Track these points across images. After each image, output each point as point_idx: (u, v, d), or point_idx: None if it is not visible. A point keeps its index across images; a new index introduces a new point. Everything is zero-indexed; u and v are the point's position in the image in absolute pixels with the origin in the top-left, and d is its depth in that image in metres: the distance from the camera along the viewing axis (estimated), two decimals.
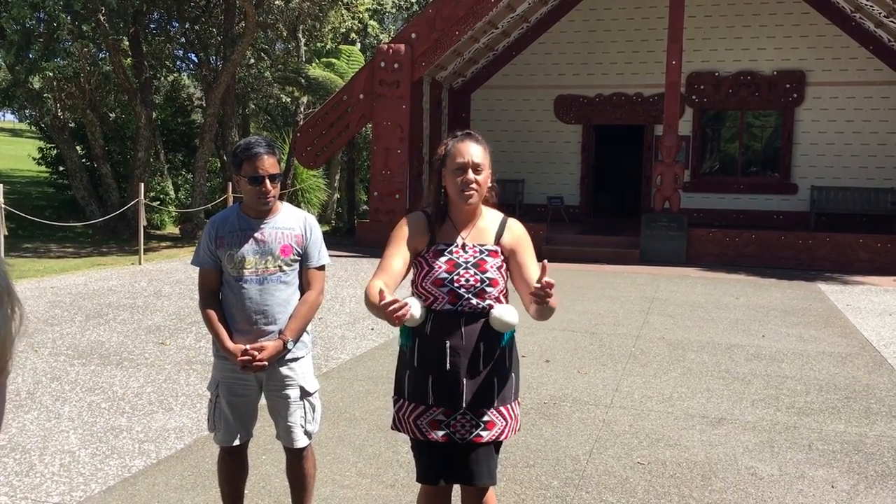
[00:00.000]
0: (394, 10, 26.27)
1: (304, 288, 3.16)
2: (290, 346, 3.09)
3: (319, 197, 20.92)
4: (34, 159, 22.26)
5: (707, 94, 16.90)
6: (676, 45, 13.73)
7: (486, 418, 2.65)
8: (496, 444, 2.72)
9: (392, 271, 2.65)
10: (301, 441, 3.17)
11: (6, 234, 10.75)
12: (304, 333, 3.17)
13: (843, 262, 13.10)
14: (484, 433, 2.65)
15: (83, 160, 18.61)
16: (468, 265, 2.65)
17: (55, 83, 16.82)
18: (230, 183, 15.97)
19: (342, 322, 8.06)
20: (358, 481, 4.03)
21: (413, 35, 14.81)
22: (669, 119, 13.83)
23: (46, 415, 4.96)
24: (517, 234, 2.78)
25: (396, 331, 2.93)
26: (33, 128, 27.30)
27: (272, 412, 3.20)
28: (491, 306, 2.66)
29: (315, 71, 19.28)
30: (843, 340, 7.64)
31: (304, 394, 3.17)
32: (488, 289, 2.66)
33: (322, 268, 3.18)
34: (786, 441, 4.73)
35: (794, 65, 16.44)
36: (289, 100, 24.89)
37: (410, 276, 2.76)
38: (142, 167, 17.05)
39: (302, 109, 22.54)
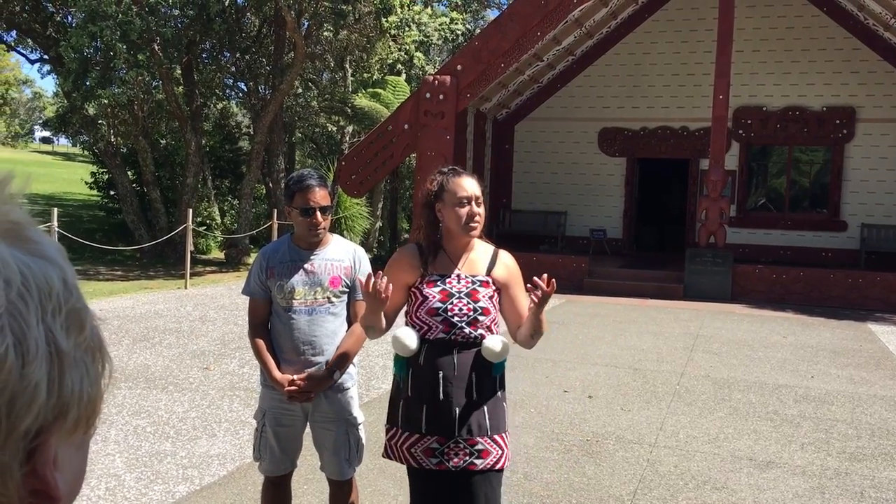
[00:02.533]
0: (440, 42, 26.55)
1: (351, 320, 3.19)
2: (336, 376, 3.11)
3: (362, 225, 21.07)
4: (87, 183, 22.84)
5: (754, 128, 16.72)
6: (724, 79, 13.64)
7: (479, 447, 2.69)
8: (495, 475, 2.73)
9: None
10: (345, 473, 3.18)
11: None
12: (351, 365, 3.19)
13: (894, 302, 12.78)
14: (478, 461, 2.69)
15: (134, 185, 19.03)
16: (461, 294, 2.73)
17: (109, 110, 17.27)
18: (276, 210, 16.19)
19: (383, 351, 8.07)
20: None
21: (459, 67, 14.93)
22: (715, 153, 13.70)
23: (93, 438, 5.03)
24: (510, 267, 2.87)
25: None
26: (86, 152, 28.02)
27: (317, 443, 3.21)
28: (483, 336, 2.72)
29: (361, 101, 19.54)
30: (895, 384, 7.42)
31: (349, 425, 3.18)
32: (480, 318, 2.73)
33: None
34: (837, 487, 4.60)
35: (843, 101, 16.20)
36: (334, 129, 25.23)
37: (405, 308, 2.88)
38: (190, 193, 17.37)
39: (347, 138, 22.83)
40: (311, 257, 3.11)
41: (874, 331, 10.62)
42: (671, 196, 18.15)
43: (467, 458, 2.67)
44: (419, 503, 2.75)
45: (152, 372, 6.84)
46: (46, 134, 66.05)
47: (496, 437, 2.73)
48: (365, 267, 3.20)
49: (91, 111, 17.01)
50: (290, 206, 3.08)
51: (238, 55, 19.43)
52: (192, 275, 13.55)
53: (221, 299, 11.19)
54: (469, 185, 2.78)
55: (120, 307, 10.39)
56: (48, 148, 69.07)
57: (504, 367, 2.83)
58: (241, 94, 23.47)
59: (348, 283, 3.16)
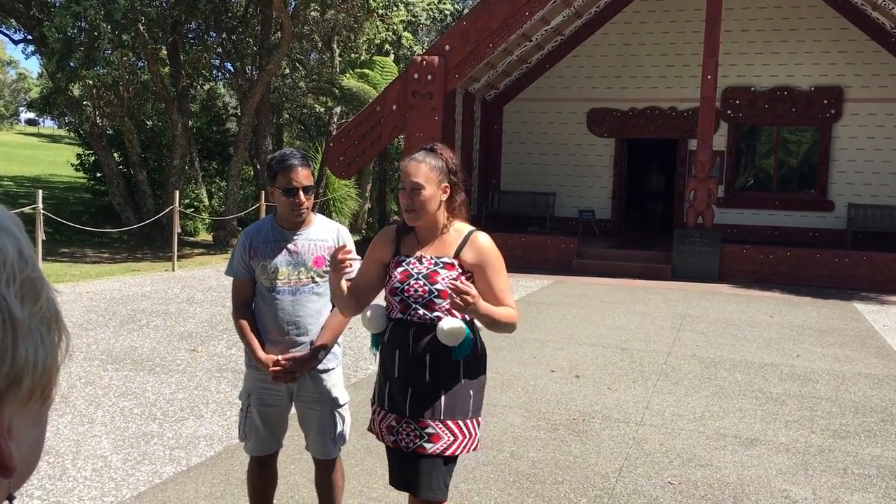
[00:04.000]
0: (428, 22, 26.40)
1: None
2: (320, 356, 3.11)
3: (350, 206, 21.04)
4: (72, 165, 22.68)
5: (742, 109, 16.74)
6: (712, 59, 13.62)
7: (429, 430, 2.67)
8: (443, 461, 2.70)
9: (358, 278, 2.86)
10: (330, 452, 3.19)
11: (44, 238, 10.94)
12: (335, 345, 3.19)
13: (880, 282, 12.87)
14: (427, 445, 2.67)
15: (120, 167, 18.90)
16: (419, 276, 2.71)
17: (95, 91, 17.12)
18: (263, 191, 16.13)
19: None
20: (385, 493, 4.02)
21: (447, 47, 14.86)
22: (704, 134, 13.71)
23: (80, 419, 5.02)
24: (481, 249, 2.74)
25: None
26: (72, 134, 27.83)
27: (302, 423, 3.22)
28: (440, 318, 2.67)
29: (349, 82, 19.44)
30: (879, 362, 7.49)
31: (335, 405, 3.19)
32: (437, 300, 2.68)
33: None
34: (820, 464, 4.64)
35: (831, 80, 16.22)
36: (322, 110, 25.11)
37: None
38: (177, 175, 17.28)
39: (335, 120, 22.72)
40: (295, 237, 3.10)
41: (860, 310, 10.69)
42: (657, 176, 18.11)
43: (417, 440, 2.68)
44: (390, 478, 2.84)
45: (139, 354, 6.83)
46: (32, 116, 65.50)
47: (451, 422, 2.68)
48: (350, 248, 3.19)
49: (76, 92, 16.85)
50: (273, 186, 3.07)
51: (224, 35, 19.27)
52: (179, 257, 13.50)
53: (209, 281, 11.16)
54: (411, 171, 2.71)
55: (107, 289, 10.34)
56: (34, 130, 68.54)
57: (467, 352, 2.69)
58: (227, 75, 23.31)
59: None
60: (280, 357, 3.03)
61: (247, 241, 3.13)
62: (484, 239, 2.75)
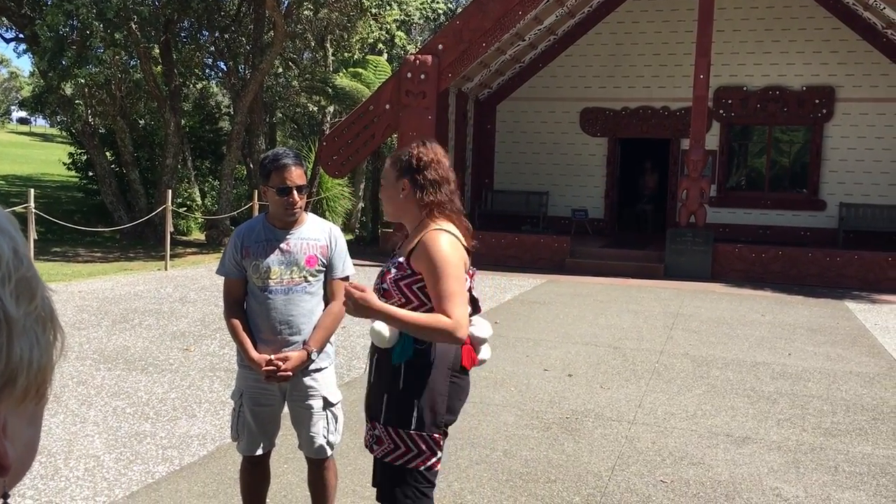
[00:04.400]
0: (421, 22, 26.39)
1: (327, 299, 3.19)
2: (314, 356, 3.11)
3: (344, 206, 21.02)
4: (64, 164, 22.59)
5: (734, 108, 16.78)
6: (704, 59, 13.66)
7: (376, 432, 2.60)
8: (392, 469, 2.55)
9: None
10: (323, 451, 3.19)
11: (36, 238, 10.90)
12: (328, 344, 3.19)
13: (871, 281, 12.93)
14: (375, 447, 2.61)
15: (112, 166, 18.84)
16: (379, 275, 2.68)
17: (87, 90, 17.05)
18: (256, 191, 16.09)
19: (365, 331, 8.07)
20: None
21: (440, 46, 14.86)
22: (696, 133, 13.74)
23: (72, 419, 5.01)
24: (423, 251, 2.53)
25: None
26: (64, 133, 27.71)
27: (295, 422, 3.22)
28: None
29: (342, 81, 19.41)
30: (870, 360, 7.53)
31: (327, 404, 3.20)
32: (384, 300, 2.57)
33: (346, 278, 3.18)
34: (811, 462, 4.67)
35: (823, 80, 16.28)
36: (315, 109, 25.05)
37: None
38: (169, 174, 17.23)
39: (328, 119, 22.68)
40: (287, 237, 3.10)
41: (851, 308, 10.74)
42: (650, 176, 18.10)
43: (370, 440, 2.65)
44: None
45: (132, 353, 6.82)
46: (23, 114, 65.20)
47: (393, 430, 2.54)
48: (341, 246, 3.20)
49: (68, 91, 16.79)
50: (267, 185, 3.06)
51: (217, 34, 19.21)
52: (172, 256, 13.46)
53: (202, 280, 11.13)
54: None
55: (99, 289, 10.32)
56: (25, 129, 68.23)
57: (404, 358, 2.53)
58: (220, 74, 23.24)
59: (325, 262, 3.15)
60: (273, 357, 3.03)
61: (238, 240, 3.12)
62: (430, 240, 2.52)
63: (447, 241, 2.53)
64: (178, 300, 9.61)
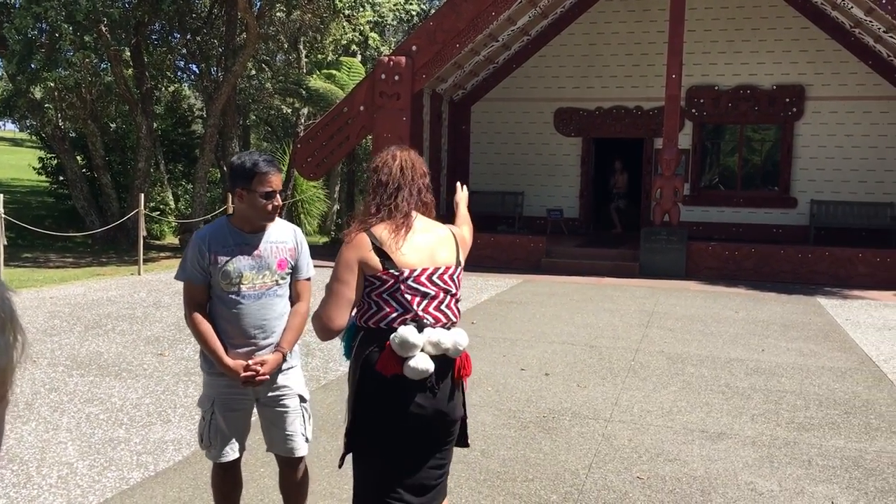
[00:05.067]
0: (395, 23, 26.37)
1: (294, 299, 3.20)
2: (288, 357, 3.12)
3: (319, 208, 20.94)
4: (34, 169, 22.29)
5: (706, 107, 16.94)
6: (676, 58, 13.77)
7: None
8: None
9: None
10: (303, 449, 3.21)
11: (6, 243, 10.75)
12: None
13: (842, 277, 13.10)
14: None
15: (83, 170, 18.63)
16: None
17: (56, 93, 16.86)
18: (230, 194, 15.99)
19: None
20: None
21: (414, 47, 14.86)
22: (669, 132, 13.85)
23: (44, 426, 4.95)
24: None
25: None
26: (34, 137, 27.35)
27: (269, 424, 3.19)
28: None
29: (316, 82, 19.34)
30: (842, 355, 7.63)
31: (302, 401, 3.22)
32: None
33: (309, 279, 3.24)
34: (785, 456, 4.72)
35: (793, 79, 16.48)
36: (289, 111, 24.96)
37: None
38: (142, 177, 17.07)
39: (302, 121, 22.60)
40: (256, 241, 3.07)
41: (823, 304, 10.88)
42: (623, 175, 18.17)
43: None
44: None
45: (105, 359, 6.74)
46: None
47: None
48: (305, 247, 3.23)
49: (37, 94, 16.59)
50: (246, 189, 2.99)
51: (189, 36, 19.07)
52: (145, 260, 13.34)
53: (176, 285, 11.01)
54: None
55: (71, 294, 10.19)
56: None
57: (348, 353, 2.70)
58: (192, 77, 23.08)
59: (293, 264, 3.16)
60: (251, 362, 3.02)
61: (204, 245, 3.02)
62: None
63: (345, 243, 2.64)
64: (151, 305, 9.52)
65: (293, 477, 3.23)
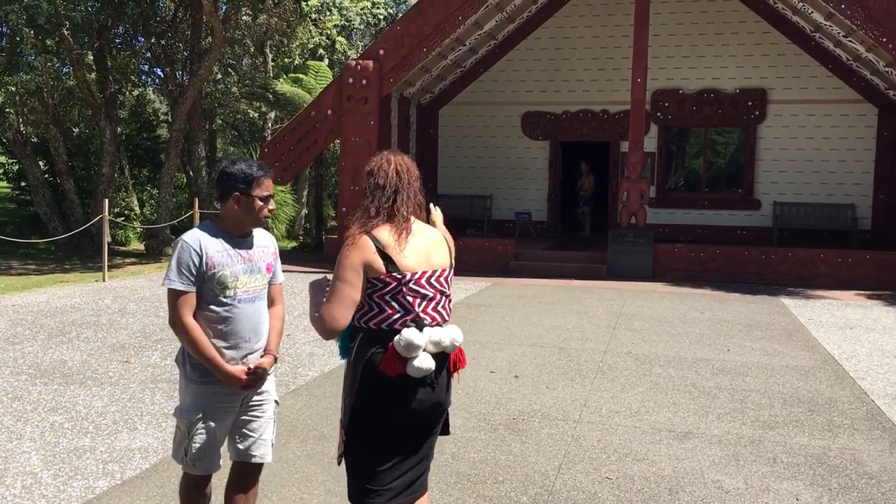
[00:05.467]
0: (361, 27, 26.33)
1: (269, 302, 3.24)
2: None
3: (287, 212, 20.81)
4: None
5: (671, 111, 17.15)
6: (641, 63, 13.92)
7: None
8: (345, 464, 2.78)
9: None
10: (270, 455, 3.21)
11: None
12: None
13: (804, 277, 13.32)
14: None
15: (46, 176, 18.34)
16: None
17: (18, 98, 16.56)
18: (196, 199, 15.84)
19: (311, 339, 8.01)
20: (327, 500, 4.00)
21: (381, 51, 14.85)
22: (635, 136, 13.99)
23: (7, 435, 4.86)
24: None
25: None
26: None
27: (246, 430, 3.15)
28: None
29: (283, 86, 19.25)
30: (805, 354, 7.76)
31: (275, 406, 3.24)
32: None
33: (281, 283, 3.33)
34: (751, 454, 4.79)
35: (755, 83, 16.74)
36: (256, 115, 24.79)
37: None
38: (106, 183, 16.84)
39: (269, 125, 22.46)
40: (248, 245, 3.10)
41: (786, 304, 11.05)
42: (584, 178, 18.26)
43: None
44: None
45: (69, 367, 6.64)
46: None
47: (340, 424, 2.79)
48: (278, 252, 3.30)
49: None
50: (246, 194, 3.00)
51: (153, 40, 18.87)
52: (110, 267, 13.16)
53: (142, 291, 10.90)
54: None
55: (34, 302, 10.03)
56: None
57: (344, 353, 2.78)
58: (157, 81, 22.83)
59: (274, 268, 3.23)
60: (252, 366, 3.05)
61: (198, 250, 2.96)
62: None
63: (348, 245, 2.67)
64: (116, 312, 9.40)
65: (252, 484, 3.20)
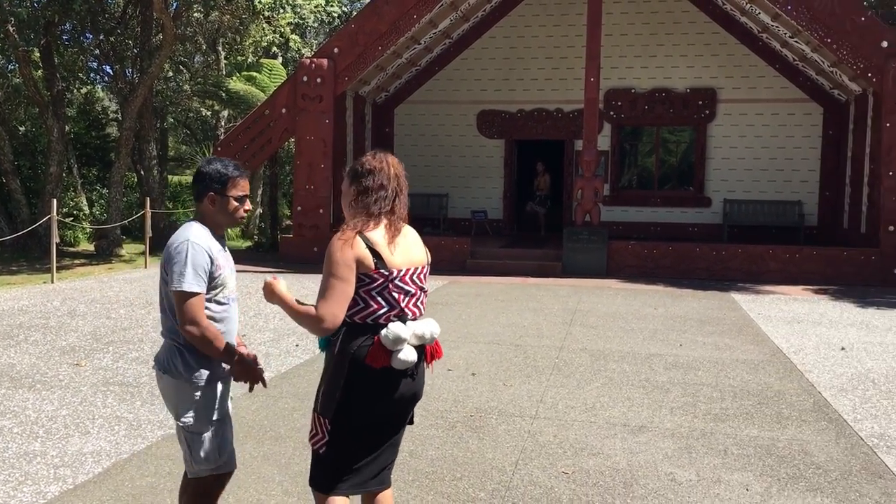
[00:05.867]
0: (316, 25, 26.15)
1: None
2: None
3: None
4: None
5: (624, 110, 17.38)
6: (594, 62, 14.08)
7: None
8: (317, 453, 2.83)
9: None
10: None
11: None
12: None
13: (754, 273, 13.61)
14: (310, 431, 2.88)
15: None
16: None
17: None
18: (148, 198, 15.59)
19: (266, 339, 7.95)
20: (284, 500, 3.98)
21: (335, 50, 14.78)
22: (589, 134, 14.15)
23: None
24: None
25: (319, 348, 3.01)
26: None
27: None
28: None
29: (236, 84, 19.03)
30: (755, 348, 7.93)
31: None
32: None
33: None
34: (703, 447, 4.89)
35: (705, 83, 17.05)
36: (209, 113, 24.47)
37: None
38: (54, 182, 16.47)
39: (222, 123, 22.19)
40: (224, 245, 3.09)
41: (736, 300, 11.28)
42: (539, 177, 18.38)
43: None
44: None
45: (17, 371, 6.49)
46: None
47: (316, 415, 2.82)
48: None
49: None
50: (221, 194, 2.97)
51: (102, 37, 18.49)
52: (59, 268, 12.89)
53: (92, 293, 10.69)
54: None
55: None
56: None
57: (323, 347, 2.84)
58: (106, 78, 22.41)
59: None
60: (245, 353, 3.07)
61: (207, 250, 2.93)
62: (330, 242, 2.76)
63: (339, 242, 2.72)
64: (66, 314, 9.21)
65: (220, 494, 3.17)
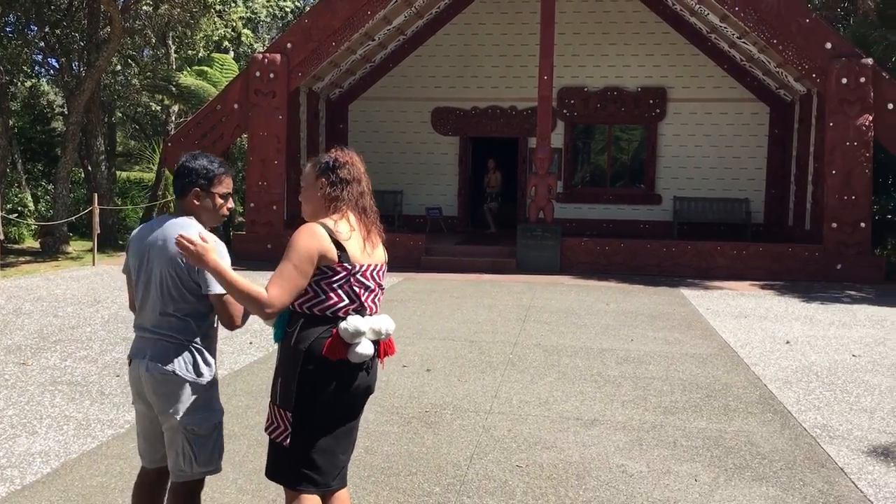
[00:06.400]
0: (268, 20, 25.91)
1: None
2: None
3: None
4: None
5: (577, 108, 17.56)
6: (547, 60, 14.20)
7: (270, 411, 2.86)
8: (276, 444, 2.81)
9: None
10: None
11: None
12: None
13: (703, 269, 13.88)
14: (266, 422, 2.87)
15: None
16: None
17: None
18: (96, 194, 15.28)
19: (219, 336, 7.86)
20: (238, 497, 3.96)
21: (289, 45, 14.66)
22: (542, 132, 14.27)
23: None
24: None
25: (274, 345, 2.98)
26: None
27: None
28: None
29: (186, 79, 18.75)
30: (703, 342, 8.10)
31: None
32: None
33: None
34: (653, 439, 4.99)
35: (656, 82, 17.32)
36: (159, 108, 24.07)
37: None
38: None
39: (173, 118, 21.84)
40: None
41: (686, 295, 11.50)
42: (491, 174, 18.42)
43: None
44: None
45: None
46: None
47: (275, 407, 2.81)
48: None
49: None
50: (206, 191, 2.96)
51: (47, 29, 18.07)
52: (3, 266, 12.58)
53: (38, 291, 10.45)
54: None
55: None
56: None
57: (278, 339, 2.83)
58: (52, 72, 21.90)
59: None
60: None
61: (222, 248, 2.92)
62: (298, 229, 2.76)
63: (306, 232, 2.72)
64: (11, 312, 8.99)
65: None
